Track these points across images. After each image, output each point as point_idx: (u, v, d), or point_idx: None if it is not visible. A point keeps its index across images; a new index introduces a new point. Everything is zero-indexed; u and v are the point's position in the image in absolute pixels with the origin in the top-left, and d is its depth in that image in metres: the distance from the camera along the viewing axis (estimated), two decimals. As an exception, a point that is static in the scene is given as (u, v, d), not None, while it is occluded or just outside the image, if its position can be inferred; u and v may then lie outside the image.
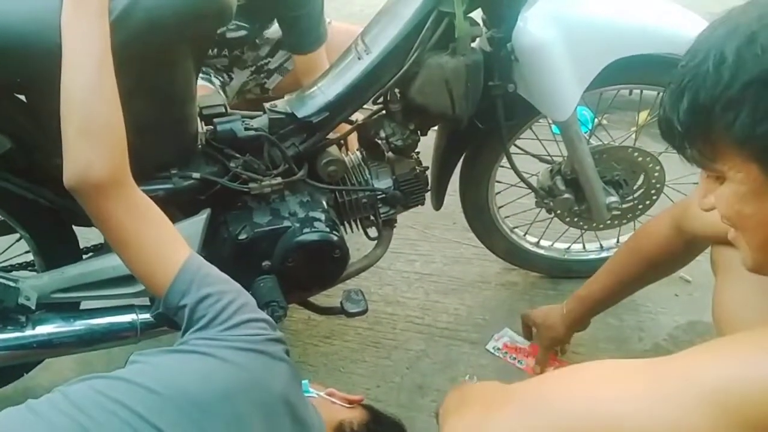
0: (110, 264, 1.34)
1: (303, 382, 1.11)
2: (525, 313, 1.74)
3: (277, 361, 1.01)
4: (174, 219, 1.41)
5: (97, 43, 1.04)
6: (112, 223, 1.05)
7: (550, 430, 0.81)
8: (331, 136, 1.56)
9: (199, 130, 1.46)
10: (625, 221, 1.86)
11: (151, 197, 1.36)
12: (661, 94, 1.69)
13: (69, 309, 1.44)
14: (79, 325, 1.42)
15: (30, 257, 1.52)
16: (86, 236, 1.50)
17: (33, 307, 1.35)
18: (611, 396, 0.79)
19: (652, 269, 1.46)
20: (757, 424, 0.71)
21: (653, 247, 1.39)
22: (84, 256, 1.51)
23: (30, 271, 1.54)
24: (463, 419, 0.95)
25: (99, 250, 1.53)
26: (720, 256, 1.18)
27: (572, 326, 1.62)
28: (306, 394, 1.10)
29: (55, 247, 1.48)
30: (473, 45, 1.48)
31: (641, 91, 1.74)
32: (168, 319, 1.07)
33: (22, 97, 1.27)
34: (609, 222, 1.82)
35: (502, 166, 1.75)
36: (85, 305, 1.48)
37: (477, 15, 1.51)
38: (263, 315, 1.05)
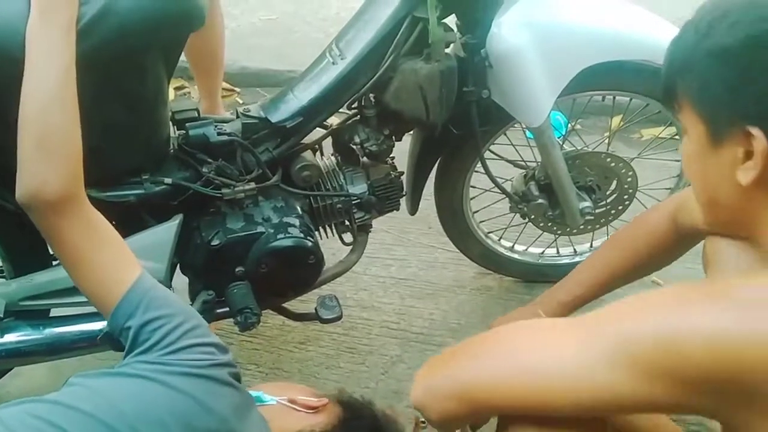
0: (80, 271, 1.32)
1: (256, 394, 1.08)
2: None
3: (222, 385, 0.99)
4: (146, 224, 1.41)
5: (62, 58, 1.02)
6: (63, 241, 1.03)
7: (506, 378, 0.90)
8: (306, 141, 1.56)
9: (172, 134, 1.45)
10: (598, 226, 1.87)
11: (122, 202, 1.37)
12: (633, 100, 1.73)
13: (38, 316, 1.42)
14: (49, 332, 1.39)
15: (-2, 264, 1.50)
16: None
17: (1, 315, 1.33)
18: (545, 354, 0.87)
19: (645, 262, 1.41)
20: (667, 372, 0.77)
21: (649, 238, 1.36)
22: (53, 263, 1.48)
23: (-2, 277, 1.51)
24: (423, 369, 1.03)
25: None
26: (712, 251, 1.17)
27: None
28: (260, 404, 1.07)
29: (24, 253, 1.45)
30: (447, 51, 1.49)
31: (614, 97, 1.76)
32: (113, 340, 1.05)
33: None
34: (582, 227, 1.84)
35: (477, 171, 1.75)
36: (54, 312, 1.46)
37: (451, 21, 1.51)
38: (212, 339, 1.03)
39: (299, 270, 1.50)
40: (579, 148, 1.80)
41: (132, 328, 1.00)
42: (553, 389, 0.85)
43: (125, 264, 1.05)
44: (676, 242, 1.33)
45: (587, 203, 1.74)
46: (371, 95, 1.52)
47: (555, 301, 1.45)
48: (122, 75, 1.23)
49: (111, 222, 1.09)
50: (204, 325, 1.05)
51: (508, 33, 1.47)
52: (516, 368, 0.89)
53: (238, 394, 1.02)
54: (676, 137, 1.80)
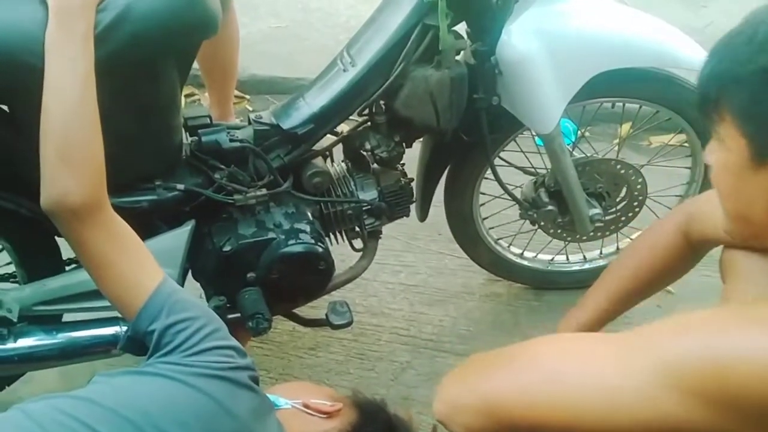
0: (93, 276, 1.33)
1: (272, 398, 1.08)
2: None
3: (241, 388, 1.00)
4: (158, 230, 1.42)
5: (81, 67, 1.04)
6: (86, 247, 1.05)
7: (523, 393, 0.87)
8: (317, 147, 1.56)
9: (184, 141, 1.46)
10: (608, 233, 1.87)
11: (135, 208, 1.38)
12: (642, 107, 1.73)
13: (51, 321, 1.43)
14: (62, 337, 1.41)
15: (12, 269, 1.51)
16: (69, 247, 1.49)
17: (15, 320, 1.34)
18: (583, 369, 0.84)
19: (658, 276, 1.37)
20: (715, 397, 0.75)
21: (659, 252, 1.32)
22: (67, 268, 1.50)
23: (12, 282, 1.52)
24: (449, 379, 0.99)
25: (82, 261, 1.52)
26: (730, 260, 1.15)
27: None
28: (276, 407, 1.07)
29: (38, 258, 1.47)
30: (458, 58, 1.49)
31: (623, 104, 1.76)
32: (137, 344, 1.06)
33: (5, 108, 1.27)
34: (592, 234, 1.84)
35: (487, 178, 1.76)
36: (67, 317, 1.47)
37: (462, 28, 1.52)
38: (232, 342, 1.05)
39: (310, 276, 1.51)
40: (589, 155, 1.80)
41: (156, 332, 1.02)
42: (588, 405, 0.82)
43: (148, 269, 1.07)
44: (687, 254, 1.30)
45: (597, 210, 1.74)
46: (382, 102, 1.53)
47: (575, 322, 1.40)
48: (136, 82, 1.24)
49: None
50: (224, 328, 1.06)
51: (518, 40, 1.48)
52: (548, 381, 0.86)
53: (257, 397, 1.03)
54: (685, 144, 1.80)
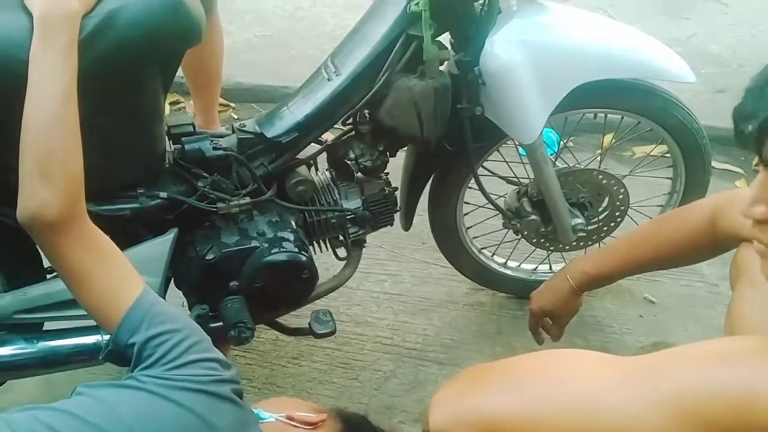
0: (74, 284, 1.32)
1: (255, 411, 1.08)
2: (535, 310, 1.59)
3: (224, 401, 0.99)
4: (140, 238, 1.41)
5: (62, 79, 1.03)
6: (64, 260, 1.04)
7: (527, 412, 0.86)
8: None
9: (167, 149, 1.46)
10: (590, 243, 1.89)
11: (117, 216, 1.37)
12: (624, 118, 1.75)
13: (32, 330, 1.42)
14: (42, 346, 1.39)
15: (-9, 277, 1.49)
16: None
17: (-6, 328, 1.33)
18: (589, 388, 0.84)
19: (678, 257, 1.40)
20: (713, 426, 0.75)
21: (686, 237, 1.32)
22: (47, 276, 1.48)
23: (-9, 291, 1.51)
24: (448, 391, 0.97)
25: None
26: (745, 259, 1.14)
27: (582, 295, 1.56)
28: (261, 421, 1.07)
29: (18, 266, 1.45)
30: (441, 68, 1.50)
31: (606, 115, 1.78)
32: (118, 356, 1.06)
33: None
34: (575, 243, 1.85)
35: (470, 188, 1.76)
36: (48, 326, 1.46)
37: (445, 39, 1.53)
38: (215, 354, 1.04)
39: (293, 284, 1.51)
40: (571, 165, 1.81)
41: (136, 344, 1.01)
42: (595, 428, 0.81)
43: (127, 280, 1.06)
44: (709, 242, 1.29)
45: (579, 220, 1.75)
46: (366, 111, 1.53)
47: (581, 270, 1.46)
48: (119, 89, 1.24)
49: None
50: (207, 340, 1.05)
51: (501, 51, 1.49)
52: (552, 402, 0.85)
53: (240, 410, 1.02)
54: (667, 155, 1.82)
